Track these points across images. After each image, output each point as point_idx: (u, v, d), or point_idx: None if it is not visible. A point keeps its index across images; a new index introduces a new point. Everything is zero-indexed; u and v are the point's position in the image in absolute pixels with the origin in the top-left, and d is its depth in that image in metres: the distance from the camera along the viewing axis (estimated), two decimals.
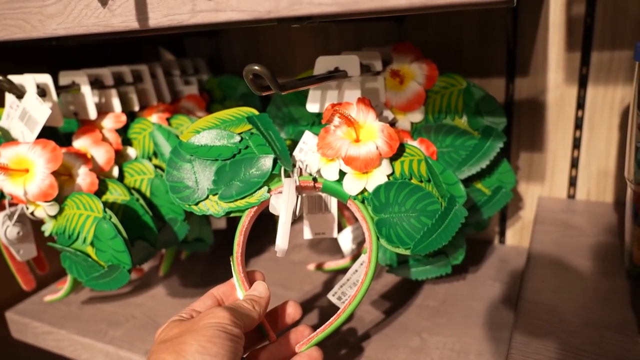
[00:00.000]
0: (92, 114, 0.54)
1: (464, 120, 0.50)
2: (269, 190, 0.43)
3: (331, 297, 0.44)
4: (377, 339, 0.48)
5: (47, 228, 0.50)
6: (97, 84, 0.55)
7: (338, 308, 0.41)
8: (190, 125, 0.57)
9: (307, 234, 0.49)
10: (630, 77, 0.54)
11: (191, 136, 0.44)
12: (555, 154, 0.60)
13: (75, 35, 0.38)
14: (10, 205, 0.50)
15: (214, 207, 0.43)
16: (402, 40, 0.62)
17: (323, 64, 0.45)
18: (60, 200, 0.48)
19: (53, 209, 0.48)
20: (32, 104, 0.47)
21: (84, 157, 0.50)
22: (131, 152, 0.55)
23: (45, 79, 0.50)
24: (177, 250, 0.65)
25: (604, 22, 0.53)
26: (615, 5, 0.52)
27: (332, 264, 0.60)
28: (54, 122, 0.50)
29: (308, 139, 0.46)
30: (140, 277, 0.65)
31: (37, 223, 0.51)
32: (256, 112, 0.46)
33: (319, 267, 0.61)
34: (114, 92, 0.56)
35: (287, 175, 0.43)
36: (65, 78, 0.54)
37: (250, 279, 0.42)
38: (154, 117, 0.58)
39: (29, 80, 0.49)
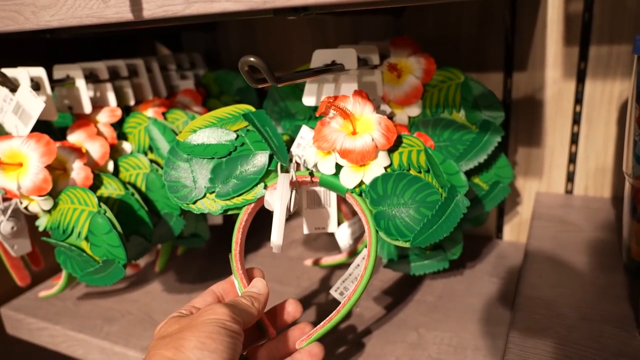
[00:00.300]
0: (87, 108, 0.53)
1: (462, 114, 0.50)
2: (266, 187, 0.43)
3: (333, 292, 0.44)
4: (375, 335, 0.48)
5: (42, 223, 0.49)
6: (92, 77, 0.55)
7: (337, 303, 0.41)
8: (186, 120, 0.57)
9: (306, 229, 0.48)
10: (629, 72, 0.53)
11: (188, 135, 0.44)
12: (553, 149, 0.60)
13: (69, 27, 0.37)
14: (4, 199, 0.50)
15: (211, 205, 0.43)
16: (400, 34, 0.62)
17: (320, 58, 0.45)
18: (54, 194, 0.48)
19: (47, 204, 0.47)
20: (26, 98, 0.47)
21: (78, 151, 0.49)
22: (126, 146, 0.55)
23: (39, 72, 0.49)
24: (173, 245, 0.65)
25: (602, 17, 0.53)
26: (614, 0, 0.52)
27: (329, 260, 0.60)
28: (48, 116, 0.50)
29: (305, 134, 0.45)
30: (136, 273, 0.64)
31: (32, 218, 0.51)
32: (253, 109, 0.45)
33: (316, 262, 0.61)
34: (109, 86, 0.56)
35: (285, 171, 0.43)
36: (59, 72, 0.54)
37: (249, 276, 0.42)
38: (150, 112, 0.57)
39: (22, 74, 0.48)
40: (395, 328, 0.49)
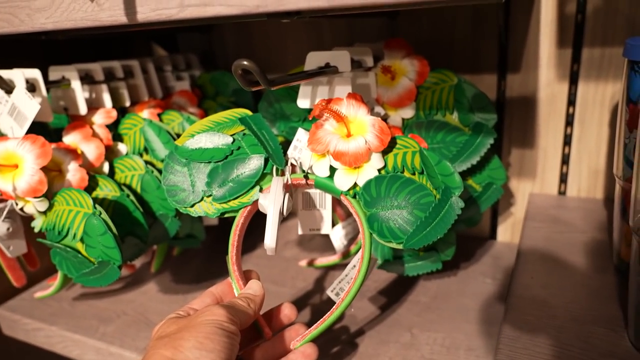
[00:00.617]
0: (83, 109, 0.54)
1: (455, 116, 0.50)
2: (261, 190, 0.43)
3: (330, 293, 0.44)
4: (368, 335, 0.48)
5: (37, 224, 0.49)
6: (87, 79, 0.55)
7: (332, 303, 0.41)
8: (181, 122, 0.57)
9: (301, 230, 0.49)
10: (620, 74, 0.54)
11: (186, 140, 0.45)
12: (546, 151, 0.60)
13: (64, 30, 0.38)
14: (0, 201, 0.50)
15: (208, 208, 0.44)
16: (395, 36, 0.62)
17: (314, 60, 0.45)
18: (49, 196, 0.48)
19: (42, 205, 0.47)
20: (21, 99, 0.47)
21: (73, 153, 0.50)
22: (122, 147, 0.55)
23: (35, 73, 0.49)
24: (169, 246, 0.65)
25: (595, 19, 0.53)
26: (606, 2, 0.52)
27: (324, 260, 0.60)
28: (44, 118, 0.50)
29: (301, 136, 0.46)
30: (132, 274, 0.64)
31: (27, 219, 0.51)
32: (249, 113, 0.46)
33: (311, 263, 0.61)
34: (104, 87, 0.56)
35: (281, 174, 0.43)
36: (55, 73, 0.54)
37: (246, 278, 0.43)
38: (145, 113, 0.58)
39: (18, 75, 0.48)
40: (388, 328, 0.49)
